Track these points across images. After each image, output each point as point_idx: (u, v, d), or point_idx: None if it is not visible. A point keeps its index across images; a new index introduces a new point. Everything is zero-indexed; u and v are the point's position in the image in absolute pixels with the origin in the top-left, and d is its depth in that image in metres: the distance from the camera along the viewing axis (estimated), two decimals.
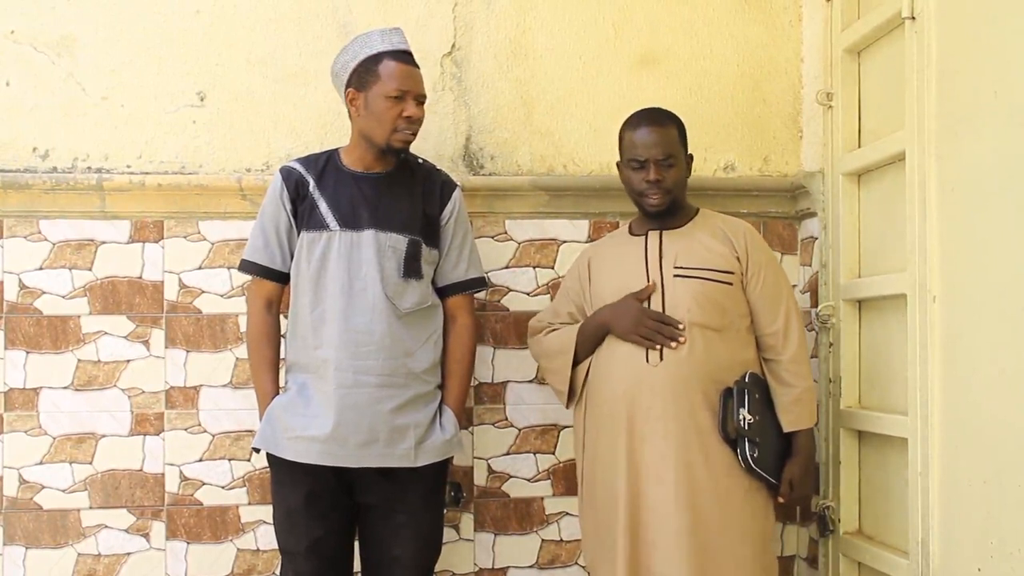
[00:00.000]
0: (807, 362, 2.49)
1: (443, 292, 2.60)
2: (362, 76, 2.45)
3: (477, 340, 2.67)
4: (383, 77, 2.42)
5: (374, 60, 2.43)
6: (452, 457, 2.59)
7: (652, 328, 2.38)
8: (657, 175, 2.45)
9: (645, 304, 2.43)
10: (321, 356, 2.44)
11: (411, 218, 2.50)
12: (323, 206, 2.48)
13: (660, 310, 2.42)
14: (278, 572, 2.82)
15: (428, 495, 2.52)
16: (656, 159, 2.45)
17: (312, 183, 2.50)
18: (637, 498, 2.38)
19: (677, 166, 2.47)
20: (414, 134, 2.48)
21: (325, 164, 2.54)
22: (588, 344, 2.52)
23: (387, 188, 2.51)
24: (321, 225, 2.47)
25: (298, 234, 2.50)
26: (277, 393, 2.52)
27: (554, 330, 2.64)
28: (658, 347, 2.38)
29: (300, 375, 2.48)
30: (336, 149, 2.59)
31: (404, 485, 2.46)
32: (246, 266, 2.55)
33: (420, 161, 2.61)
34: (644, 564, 2.36)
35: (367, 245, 2.45)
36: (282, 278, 2.54)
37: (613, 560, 2.39)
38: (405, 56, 2.46)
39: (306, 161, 2.56)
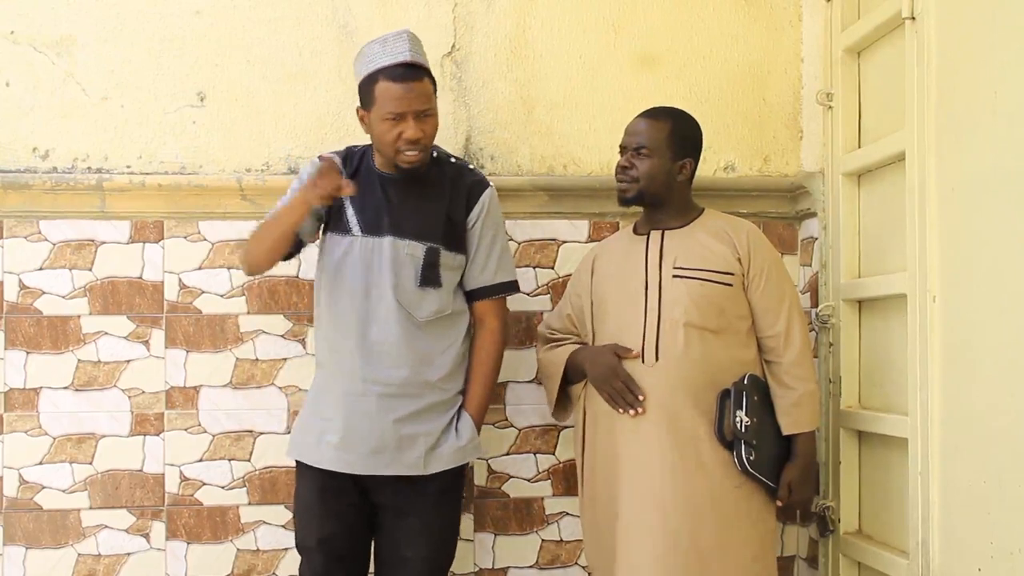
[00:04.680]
0: (810, 365, 2.48)
1: (471, 296, 2.55)
2: (364, 96, 2.40)
3: (505, 345, 2.60)
4: (379, 99, 2.35)
5: (371, 80, 2.36)
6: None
7: (617, 390, 2.39)
8: (625, 162, 2.49)
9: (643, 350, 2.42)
10: (336, 361, 2.44)
11: (432, 224, 2.45)
12: (349, 210, 2.45)
13: (657, 310, 2.43)
14: (278, 573, 2.83)
15: (441, 497, 2.49)
16: (629, 146, 2.49)
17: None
18: (632, 498, 2.38)
19: (653, 159, 2.47)
20: (422, 151, 2.39)
21: (359, 162, 2.50)
22: (576, 373, 2.53)
23: (413, 191, 2.46)
24: (345, 229, 2.44)
25: (323, 232, 2.48)
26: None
27: (555, 345, 2.63)
28: (620, 410, 2.39)
29: (323, 375, 2.49)
30: (371, 145, 2.52)
31: (416, 487, 2.43)
32: None
33: (452, 160, 2.56)
34: (637, 563, 2.37)
35: (385, 252, 2.41)
36: (299, 247, 2.48)
37: (612, 559, 2.39)
38: (402, 72, 2.34)
39: (344, 156, 2.51)
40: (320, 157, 2.49)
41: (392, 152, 2.39)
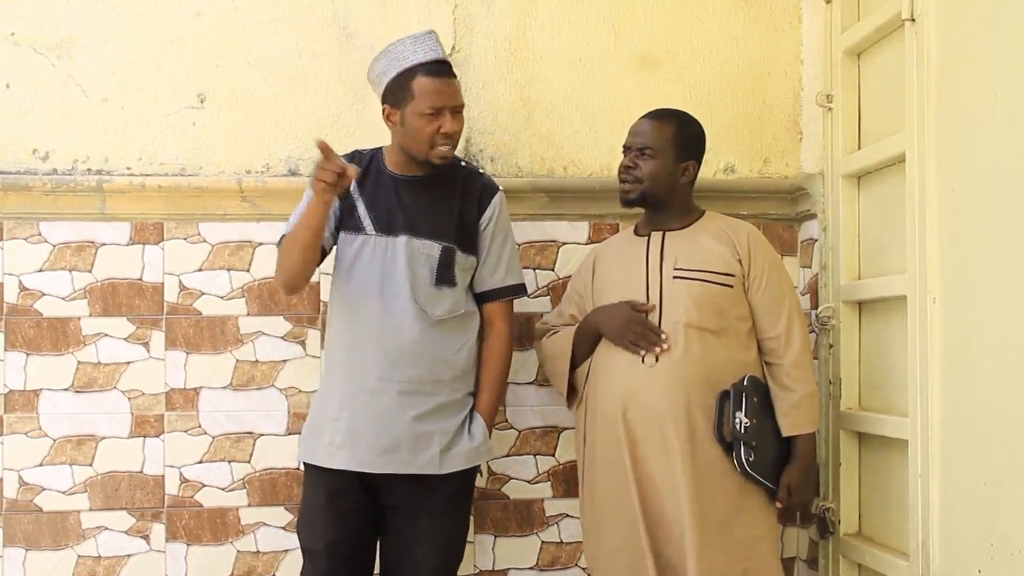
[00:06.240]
0: (809, 366, 2.49)
1: (481, 299, 2.56)
2: (396, 93, 2.40)
3: (512, 347, 2.61)
4: (417, 95, 2.37)
5: (407, 76, 2.38)
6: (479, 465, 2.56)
7: (638, 333, 2.40)
8: (629, 162, 2.50)
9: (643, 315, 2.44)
10: (349, 360, 2.43)
11: (446, 224, 2.47)
12: (361, 208, 2.46)
13: (657, 311, 2.43)
14: (278, 574, 2.83)
15: (452, 500, 2.48)
16: (634, 146, 2.50)
17: (353, 183, 2.45)
18: (646, 500, 2.39)
19: (657, 160, 2.48)
20: (453, 147, 2.44)
21: (369, 163, 2.52)
22: (584, 346, 2.53)
23: (425, 193, 2.48)
24: (357, 228, 2.45)
25: (337, 230, 2.49)
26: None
27: (555, 333, 2.64)
28: (643, 353, 2.39)
29: (332, 375, 2.48)
30: (381, 148, 2.55)
31: (429, 489, 2.43)
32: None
33: (462, 164, 2.58)
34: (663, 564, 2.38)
35: (400, 251, 2.42)
36: (322, 253, 2.48)
37: (643, 561, 2.38)
38: (439, 67, 2.40)
39: (351, 158, 2.53)
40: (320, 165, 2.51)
41: (427, 147, 2.40)
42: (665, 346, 2.38)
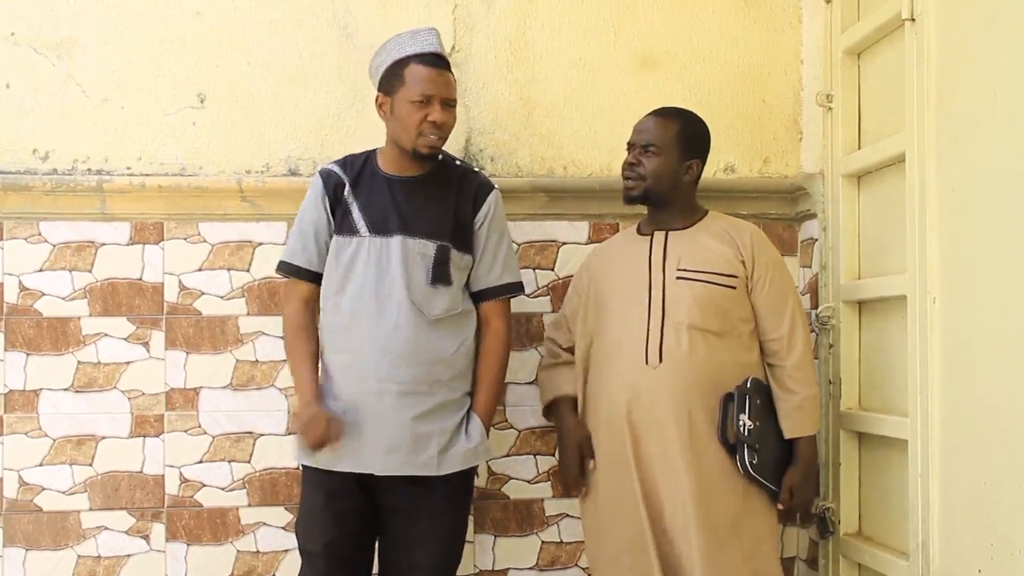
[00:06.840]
0: (811, 368, 2.49)
1: (477, 297, 2.56)
2: (389, 80, 2.43)
3: (510, 346, 2.61)
4: (407, 82, 2.40)
5: (401, 64, 2.41)
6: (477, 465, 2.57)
7: (569, 480, 2.58)
8: (633, 159, 2.50)
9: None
10: (345, 361, 2.43)
11: (441, 223, 2.47)
12: (355, 212, 2.46)
13: (660, 311, 2.43)
14: (278, 574, 2.83)
15: (451, 500, 2.48)
16: (638, 143, 2.51)
17: (348, 187, 2.48)
18: (650, 500, 2.39)
19: (661, 157, 2.48)
20: (442, 139, 2.45)
21: (362, 166, 2.53)
22: None
23: (420, 192, 2.48)
24: (352, 231, 2.46)
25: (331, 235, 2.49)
26: (316, 382, 2.47)
27: (554, 363, 2.66)
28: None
29: (330, 376, 2.48)
30: (375, 150, 2.57)
31: (428, 490, 2.43)
32: (285, 267, 2.53)
33: (457, 163, 2.59)
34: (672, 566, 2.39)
35: (395, 251, 2.42)
36: (319, 279, 2.52)
37: (647, 561, 2.38)
38: (433, 59, 2.42)
39: (344, 163, 2.55)
40: (322, 170, 2.54)
41: (414, 136, 2.41)
42: (579, 496, 2.58)
